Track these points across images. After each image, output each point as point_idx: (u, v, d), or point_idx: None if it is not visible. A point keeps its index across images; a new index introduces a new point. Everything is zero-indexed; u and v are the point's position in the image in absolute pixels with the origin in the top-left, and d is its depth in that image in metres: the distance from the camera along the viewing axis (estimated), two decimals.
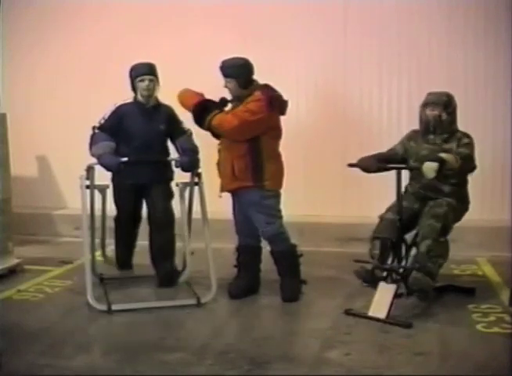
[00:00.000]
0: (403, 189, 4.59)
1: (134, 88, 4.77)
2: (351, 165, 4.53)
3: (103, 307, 4.33)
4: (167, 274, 4.88)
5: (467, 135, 4.49)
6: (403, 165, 4.45)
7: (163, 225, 4.87)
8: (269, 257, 4.67)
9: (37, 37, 6.93)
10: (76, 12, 6.81)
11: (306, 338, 3.91)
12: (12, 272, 5.28)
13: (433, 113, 4.45)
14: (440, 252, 4.32)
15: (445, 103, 4.45)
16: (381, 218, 4.56)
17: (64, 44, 6.87)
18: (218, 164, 4.61)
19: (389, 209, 4.56)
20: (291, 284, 4.65)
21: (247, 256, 4.68)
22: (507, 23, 5.89)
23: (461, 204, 4.50)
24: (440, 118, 4.45)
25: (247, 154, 4.44)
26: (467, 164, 4.36)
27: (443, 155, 4.21)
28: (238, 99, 4.50)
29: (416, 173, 4.46)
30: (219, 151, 4.59)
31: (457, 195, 4.47)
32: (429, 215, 4.37)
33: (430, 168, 4.13)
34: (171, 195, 4.91)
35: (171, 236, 4.90)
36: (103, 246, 5.07)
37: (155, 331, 4.03)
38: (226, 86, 4.50)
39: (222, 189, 4.58)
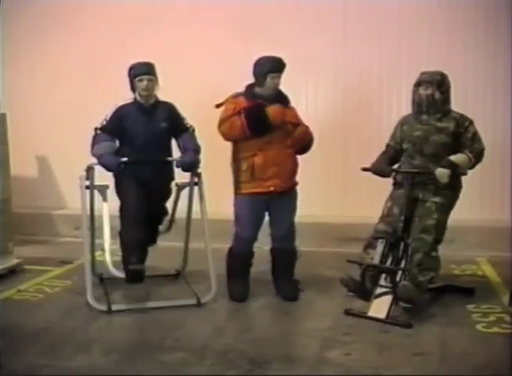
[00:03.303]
0: (392, 181, 4.58)
1: (133, 88, 4.77)
2: (365, 169, 4.53)
3: (103, 307, 4.33)
4: (132, 270, 4.60)
5: (470, 120, 4.41)
6: (416, 170, 4.42)
7: (153, 222, 4.89)
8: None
9: (36, 38, 6.93)
10: (75, 12, 6.81)
11: (306, 338, 3.90)
12: (12, 272, 5.28)
13: (426, 93, 4.39)
14: (431, 266, 4.30)
15: (438, 82, 4.38)
16: (375, 230, 4.51)
17: (64, 44, 6.88)
18: (263, 164, 4.48)
19: (381, 219, 4.53)
20: (292, 283, 4.68)
21: (249, 262, 4.69)
22: (507, 23, 5.90)
23: (452, 194, 4.41)
24: (433, 98, 4.38)
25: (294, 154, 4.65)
26: (480, 159, 4.34)
27: (454, 158, 4.19)
28: (274, 99, 4.50)
29: (409, 155, 4.46)
30: (261, 150, 4.48)
31: (449, 181, 4.33)
32: (420, 227, 4.33)
33: (442, 173, 4.13)
34: (168, 195, 4.91)
35: (158, 227, 5.03)
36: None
37: (155, 331, 4.03)
38: (275, 82, 4.49)
39: (276, 189, 4.52)
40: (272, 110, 4.44)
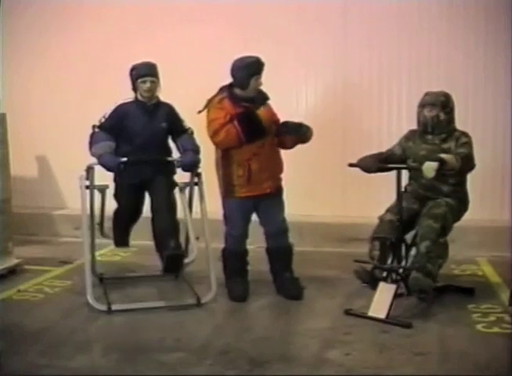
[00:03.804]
0: (403, 189, 4.60)
1: (134, 88, 4.75)
2: (351, 165, 4.54)
3: (103, 307, 4.33)
4: (172, 255, 4.40)
5: (466, 134, 4.48)
6: (403, 165, 4.45)
7: (164, 210, 4.69)
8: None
9: (36, 38, 6.92)
10: (75, 12, 6.80)
11: (306, 338, 3.90)
12: (12, 273, 5.27)
13: (431, 114, 4.43)
14: (439, 253, 4.31)
15: (442, 104, 4.43)
16: (380, 219, 4.56)
17: (63, 44, 6.87)
18: (259, 168, 4.47)
19: (388, 210, 4.56)
20: (294, 281, 4.70)
21: (245, 260, 4.69)
22: (507, 23, 5.89)
23: (460, 204, 4.50)
24: (438, 119, 4.43)
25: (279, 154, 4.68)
26: (467, 164, 4.36)
27: (443, 155, 4.22)
28: (257, 99, 4.47)
29: (416, 173, 4.46)
30: (256, 155, 4.46)
31: (456, 195, 4.47)
32: (428, 215, 4.36)
33: (429, 167, 4.13)
34: (173, 185, 4.82)
35: (174, 219, 4.67)
36: (101, 223, 4.99)
37: (155, 331, 4.03)
38: (259, 83, 4.46)
39: (271, 190, 4.55)
40: (263, 113, 4.43)
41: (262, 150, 4.48)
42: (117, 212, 4.90)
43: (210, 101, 4.50)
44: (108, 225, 4.90)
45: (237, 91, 4.48)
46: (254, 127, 4.39)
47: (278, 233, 4.66)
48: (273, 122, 4.54)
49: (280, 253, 4.67)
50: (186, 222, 4.77)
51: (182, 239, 4.77)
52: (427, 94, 4.52)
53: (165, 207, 4.65)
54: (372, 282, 4.40)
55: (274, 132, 4.57)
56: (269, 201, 4.59)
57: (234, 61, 4.48)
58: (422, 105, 4.49)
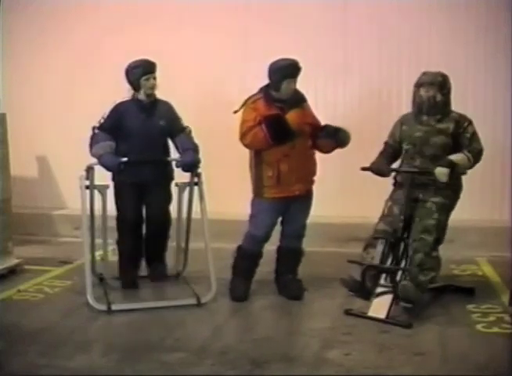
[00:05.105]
0: (392, 181, 4.57)
1: (135, 86, 4.72)
2: (364, 169, 4.51)
3: (103, 307, 4.33)
4: (159, 273, 5.05)
5: (469, 120, 4.38)
6: (416, 169, 4.39)
7: (159, 229, 4.93)
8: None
9: (35, 38, 6.91)
10: (74, 11, 6.79)
11: (306, 338, 3.90)
12: (12, 272, 5.27)
13: (427, 95, 4.34)
14: (432, 265, 4.29)
15: (440, 84, 4.33)
16: (375, 229, 4.49)
17: (62, 43, 6.86)
18: (289, 169, 4.45)
19: (381, 219, 4.51)
20: (296, 282, 4.70)
21: (257, 262, 4.68)
22: (508, 23, 5.89)
23: (453, 192, 4.39)
24: (434, 100, 4.33)
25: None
26: (479, 158, 4.32)
27: (453, 158, 4.18)
28: (291, 101, 4.44)
29: (409, 156, 4.43)
30: (286, 156, 4.44)
31: (449, 186, 4.33)
32: (420, 227, 4.31)
33: (442, 173, 4.12)
34: (169, 198, 4.94)
35: (165, 239, 5.03)
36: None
37: (155, 331, 4.03)
38: (291, 87, 4.42)
39: (301, 193, 4.54)
40: (292, 117, 4.38)
41: (293, 151, 4.44)
42: (119, 219, 4.87)
43: (246, 101, 4.50)
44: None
45: (273, 92, 4.47)
46: (281, 130, 4.37)
47: (294, 236, 4.67)
48: (307, 124, 4.49)
49: (290, 255, 4.69)
50: (184, 228, 4.85)
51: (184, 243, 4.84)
52: (424, 73, 4.42)
53: (159, 226, 4.93)
54: (359, 291, 4.38)
55: (308, 134, 4.53)
56: (298, 205, 4.59)
57: (270, 63, 4.46)
58: (419, 84, 4.38)
